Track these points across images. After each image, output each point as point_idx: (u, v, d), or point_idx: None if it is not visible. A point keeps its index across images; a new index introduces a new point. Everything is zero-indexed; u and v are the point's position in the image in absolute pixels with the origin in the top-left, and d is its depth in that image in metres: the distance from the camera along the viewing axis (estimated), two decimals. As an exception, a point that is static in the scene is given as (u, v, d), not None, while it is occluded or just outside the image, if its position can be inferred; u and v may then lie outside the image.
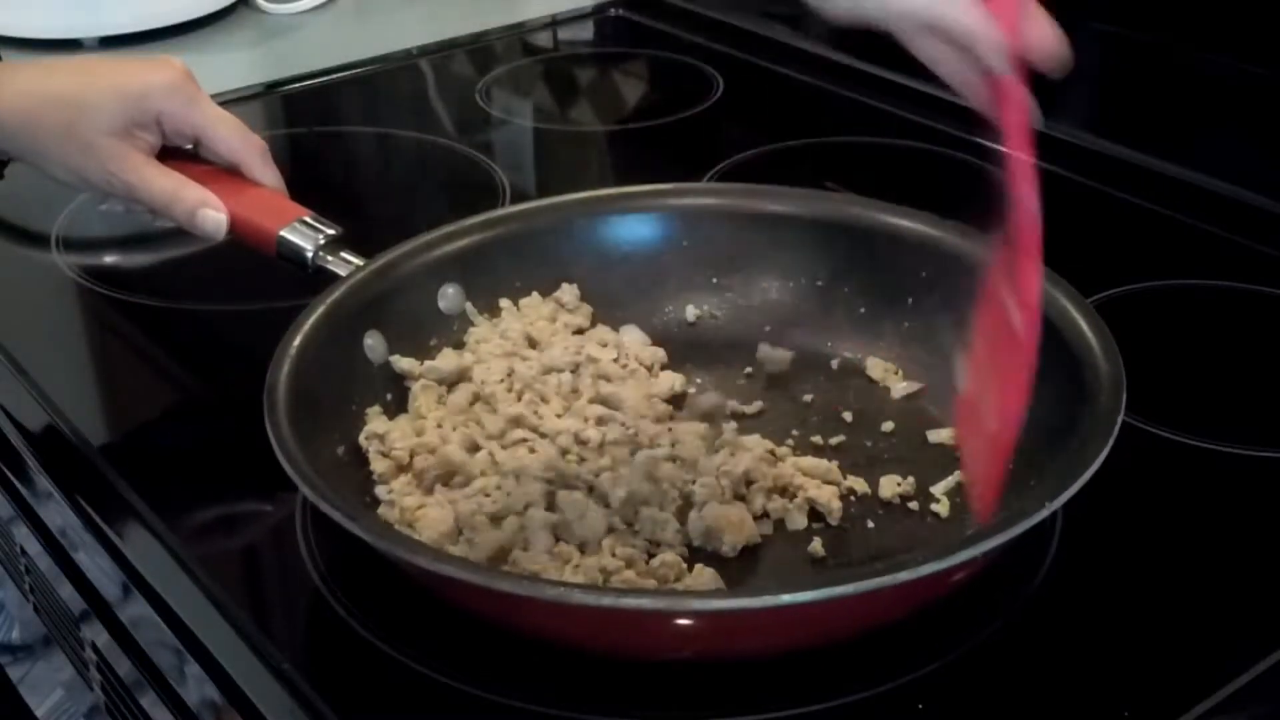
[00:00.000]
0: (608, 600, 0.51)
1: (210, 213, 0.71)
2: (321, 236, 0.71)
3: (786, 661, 0.55)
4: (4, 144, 0.75)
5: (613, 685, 0.55)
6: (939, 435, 0.68)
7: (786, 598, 0.51)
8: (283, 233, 0.71)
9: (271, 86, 1.18)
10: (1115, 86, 1.03)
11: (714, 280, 0.78)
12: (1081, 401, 0.60)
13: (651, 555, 0.60)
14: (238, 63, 1.24)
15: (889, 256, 0.74)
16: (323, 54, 1.23)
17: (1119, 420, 0.57)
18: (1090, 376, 0.61)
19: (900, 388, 0.72)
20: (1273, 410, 0.73)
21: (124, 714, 0.72)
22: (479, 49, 1.27)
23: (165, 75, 0.72)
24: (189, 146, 0.74)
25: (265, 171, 0.74)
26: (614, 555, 0.60)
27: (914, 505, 0.65)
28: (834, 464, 0.67)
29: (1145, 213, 0.92)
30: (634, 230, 0.77)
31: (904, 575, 0.51)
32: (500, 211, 0.78)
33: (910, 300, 0.73)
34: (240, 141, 0.73)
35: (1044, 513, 0.53)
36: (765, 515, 0.64)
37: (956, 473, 0.66)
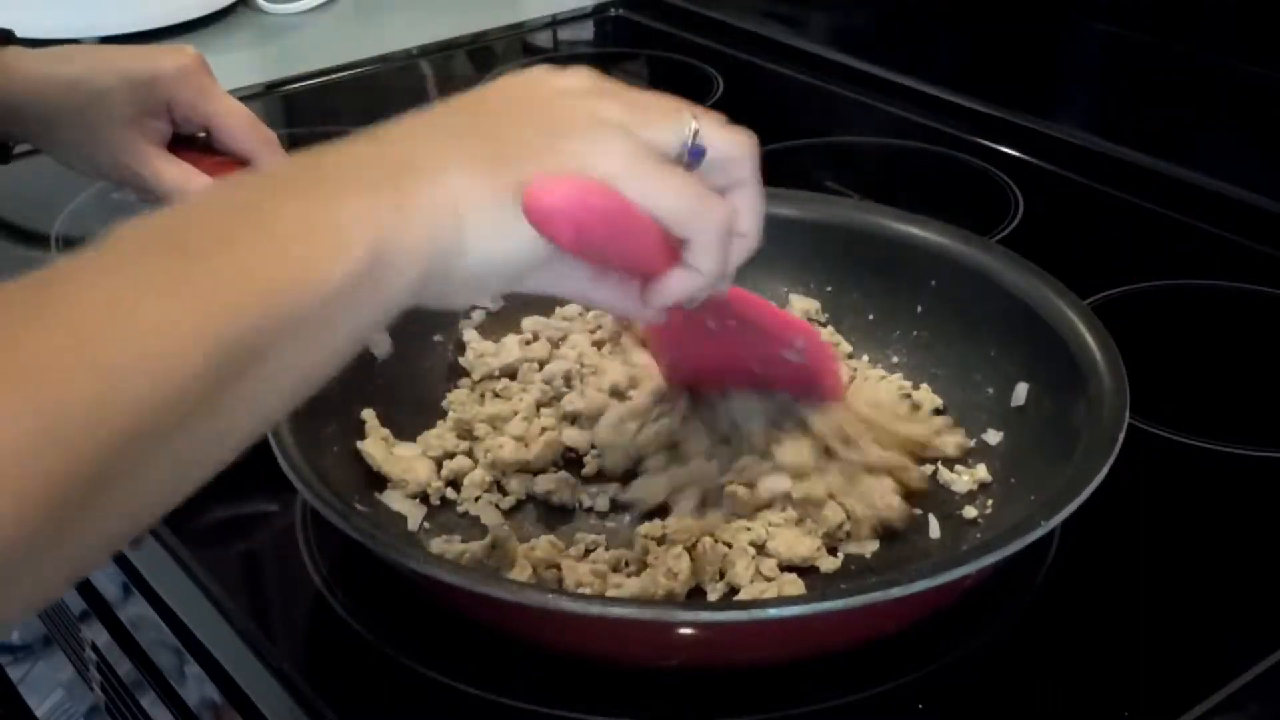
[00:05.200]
0: (595, 609, 0.51)
1: None
2: None
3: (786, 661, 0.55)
4: (18, 130, 0.75)
5: (611, 686, 0.55)
6: (946, 444, 0.68)
7: (774, 611, 0.51)
8: None
9: (271, 86, 1.18)
10: (1115, 86, 1.03)
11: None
12: (1084, 416, 0.60)
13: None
14: (238, 63, 1.24)
15: (899, 264, 0.73)
16: (323, 54, 1.23)
17: (1120, 438, 0.57)
18: (1094, 391, 0.60)
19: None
20: (1273, 410, 0.73)
21: (124, 714, 0.72)
22: (479, 49, 1.27)
23: (175, 63, 0.72)
24: (201, 135, 0.74)
25: (275, 163, 0.73)
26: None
27: (916, 514, 0.65)
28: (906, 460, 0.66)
29: (1145, 213, 0.92)
30: None
31: (896, 591, 0.51)
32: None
33: (919, 309, 0.73)
34: (249, 133, 0.73)
35: (1040, 530, 0.53)
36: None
37: (963, 478, 0.66)
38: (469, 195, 0.44)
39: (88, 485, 0.35)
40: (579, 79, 0.50)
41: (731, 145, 0.51)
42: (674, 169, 0.48)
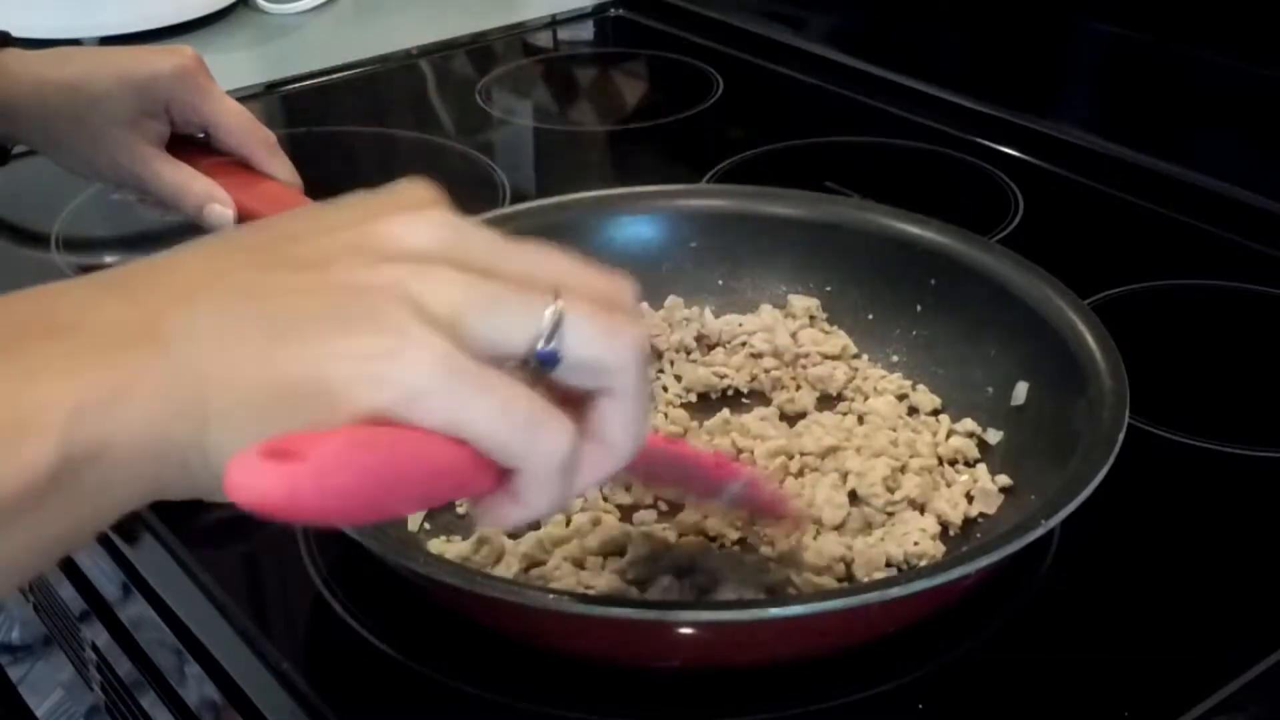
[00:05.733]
0: (595, 610, 0.51)
1: (217, 207, 0.71)
2: None
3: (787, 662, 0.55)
4: (17, 132, 0.75)
5: (612, 686, 0.55)
6: (947, 446, 0.67)
7: (774, 611, 0.51)
8: None
9: (271, 86, 1.18)
10: (1115, 86, 1.03)
11: (719, 282, 0.77)
12: (1084, 416, 0.60)
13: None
14: (238, 63, 1.24)
15: (899, 264, 0.73)
16: (323, 54, 1.23)
17: (1120, 438, 0.57)
18: (1094, 391, 0.60)
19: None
20: (1273, 410, 0.73)
21: (124, 714, 0.72)
22: (479, 49, 1.27)
23: (174, 63, 0.72)
24: (200, 136, 0.74)
25: (274, 164, 0.73)
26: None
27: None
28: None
29: (1145, 213, 0.92)
30: (643, 230, 0.76)
31: (895, 591, 0.51)
32: (505, 210, 0.78)
33: (919, 308, 0.73)
34: (247, 134, 0.73)
35: (1040, 531, 0.53)
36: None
37: (963, 480, 0.65)
38: (219, 385, 0.35)
39: None
40: (429, 236, 0.39)
41: (600, 353, 0.39)
42: (496, 383, 0.37)
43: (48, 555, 0.36)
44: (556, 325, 0.38)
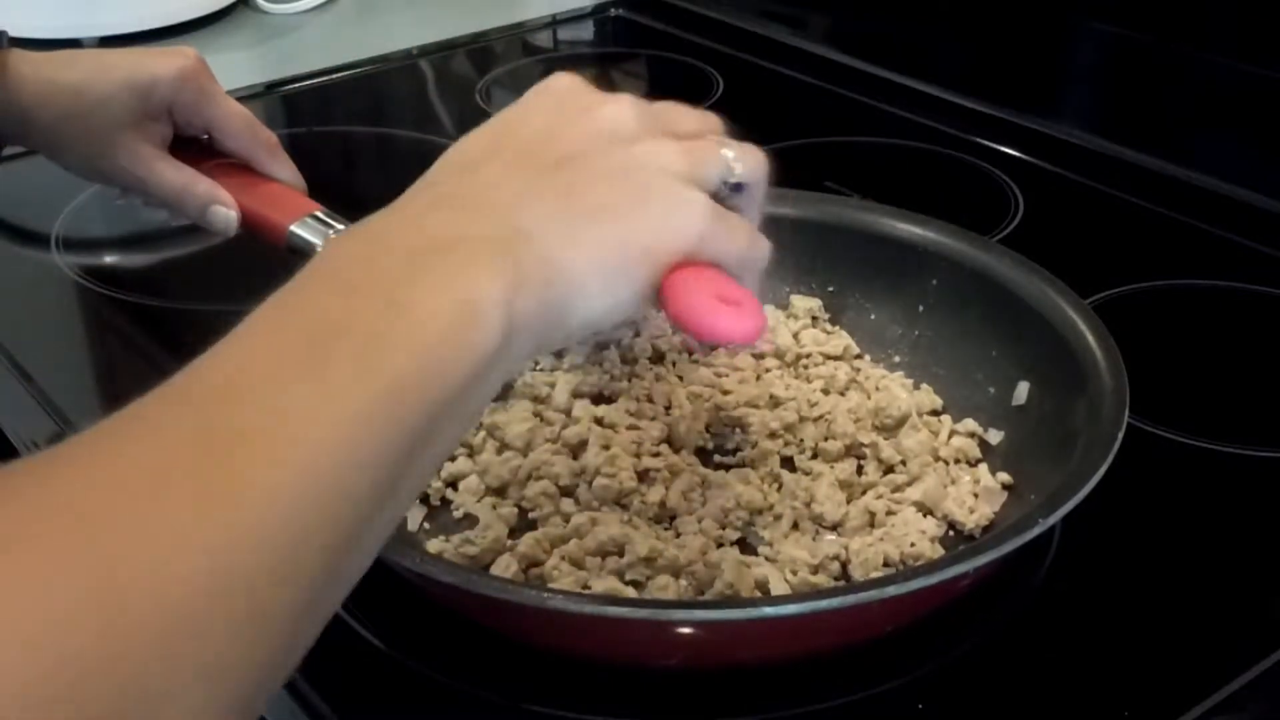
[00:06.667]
0: (589, 608, 0.51)
1: (220, 209, 0.71)
2: (332, 231, 0.70)
3: (786, 662, 0.55)
4: (22, 134, 0.75)
5: (611, 686, 0.55)
6: (950, 448, 0.67)
7: (770, 610, 0.51)
8: (293, 227, 0.70)
9: (271, 86, 1.18)
10: (1115, 86, 1.03)
11: None
12: (1084, 416, 0.60)
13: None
14: (238, 63, 1.24)
15: (900, 264, 0.73)
16: (323, 54, 1.23)
17: (1119, 437, 0.57)
18: (1094, 391, 0.60)
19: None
20: (1273, 410, 0.73)
21: (124, 714, 0.72)
22: (479, 49, 1.27)
23: (176, 66, 0.72)
24: (204, 137, 0.74)
25: (275, 165, 0.73)
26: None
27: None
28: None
29: (1145, 213, 0.92)
30: None
31: (892, 590, 0.51)
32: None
33: (920, 308, 0.73)
34: (249, 137, 0.73)
35: (1038, 529, 0.53)
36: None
37: (966, 480, 0.65)
38: (572, 263, 0.45)
39: (309, 604, 0.36)
40: (634, 116, 0.50)
41: (758, 172, 0.52)
42: (735, 219, 0.49)
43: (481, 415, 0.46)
44: (733, 165, 0.50)
